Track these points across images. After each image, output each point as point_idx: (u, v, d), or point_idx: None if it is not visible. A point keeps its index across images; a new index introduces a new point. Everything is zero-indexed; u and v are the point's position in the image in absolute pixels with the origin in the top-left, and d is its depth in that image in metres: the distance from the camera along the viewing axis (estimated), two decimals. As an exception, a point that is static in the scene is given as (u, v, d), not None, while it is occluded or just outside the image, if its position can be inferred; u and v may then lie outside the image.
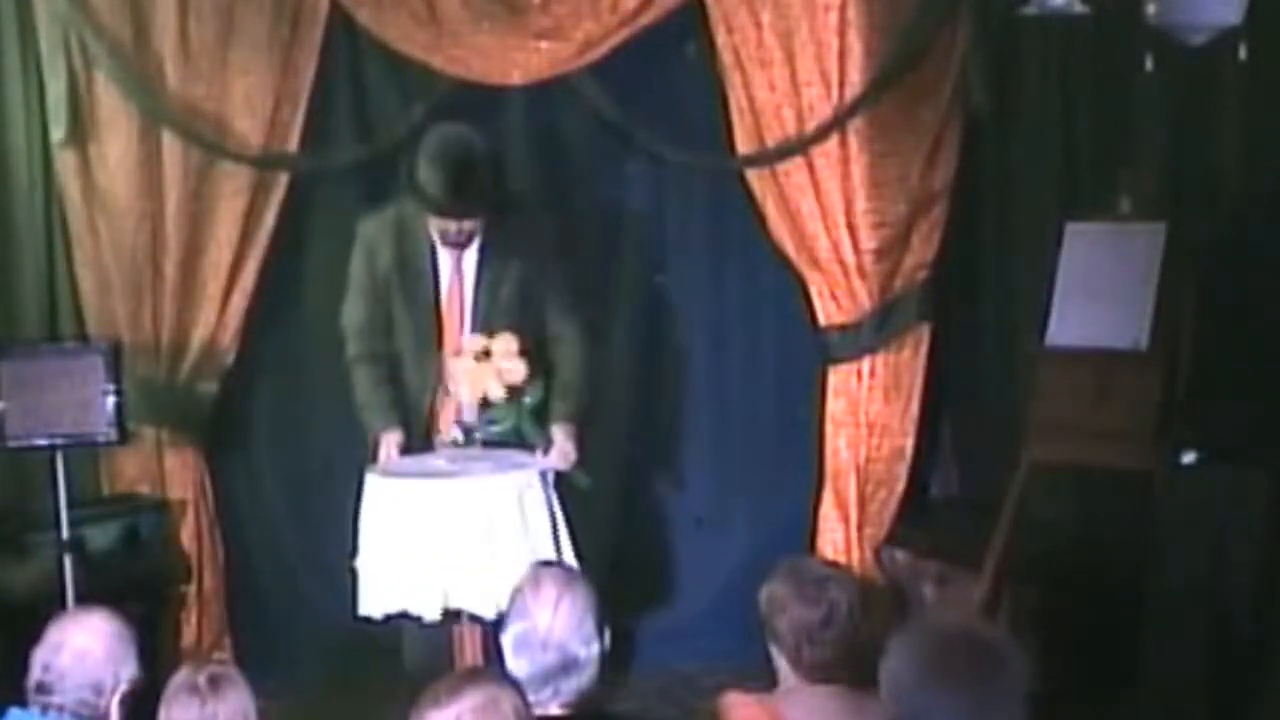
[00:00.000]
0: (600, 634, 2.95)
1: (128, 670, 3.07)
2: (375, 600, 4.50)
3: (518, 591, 3.00)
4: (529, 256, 4.79)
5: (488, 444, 4.59)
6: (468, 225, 4.69)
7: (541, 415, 4.65)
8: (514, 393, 4.52)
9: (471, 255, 4.76)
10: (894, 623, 5.11)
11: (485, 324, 4.67)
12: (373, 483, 4.54)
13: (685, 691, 5.24)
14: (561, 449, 4.64)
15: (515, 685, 2.54)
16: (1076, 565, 4.90)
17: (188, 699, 2.89)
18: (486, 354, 4.52)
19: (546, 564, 3.16)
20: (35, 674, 3.04)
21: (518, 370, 4.51)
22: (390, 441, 4.75)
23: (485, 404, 4.54)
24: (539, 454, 4.60)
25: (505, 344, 4.53)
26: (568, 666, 2.87)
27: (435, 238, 4.75)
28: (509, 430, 4.59)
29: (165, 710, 2.92)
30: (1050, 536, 5.11)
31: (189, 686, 2.90)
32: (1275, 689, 4.45)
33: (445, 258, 4.78)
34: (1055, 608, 4.70)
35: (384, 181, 5.67)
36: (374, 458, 4.75)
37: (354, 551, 4.55)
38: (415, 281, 4.79)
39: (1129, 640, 4.57)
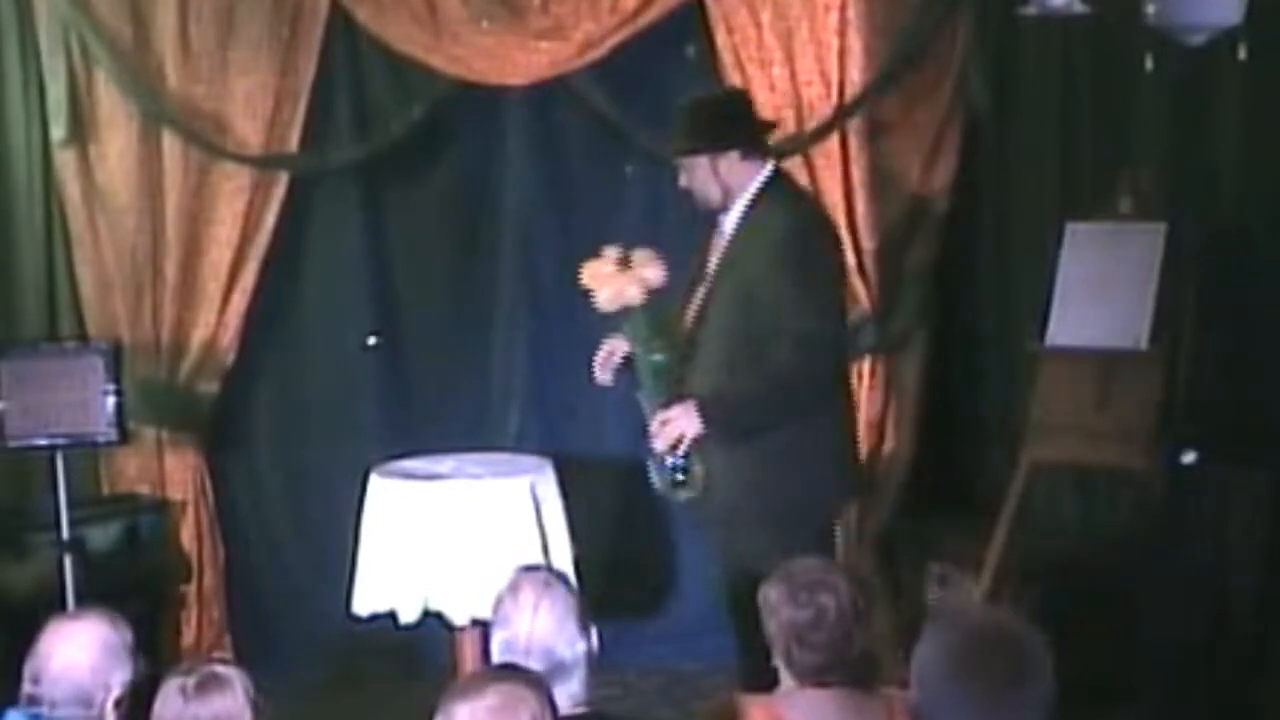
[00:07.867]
0: (585, 634, 2.96)
1: (119, 676, 3.04)
2: (369, 599, 4.50)
3: (499, 600, 3.02)
4: (767, 244, 4.02)
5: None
6: (683, 167, 4.18)
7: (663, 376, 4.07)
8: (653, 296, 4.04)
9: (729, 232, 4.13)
10: (893, 623, 5.20)
11: (705, 304, 4.11)
12: (375, 483, 4.54)
13: (685, 691, 5.23)
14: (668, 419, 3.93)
15: (544, 687, 2.48)
16: (1077, 565, 4.90)
17: (173, 697, 2.88)
18: (626, 262, 4.06)
19: (527, 569, 3.13)
20: (25, 685, 3.02)
21: (657, 275, 4.02)
22: None
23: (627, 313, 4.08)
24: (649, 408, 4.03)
25: (645, 254, 4.06)
26: (554, 671, 2.87)
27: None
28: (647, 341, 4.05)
29: (157, 705, 2.91)
30: (1050, 536, 5.11)
31: (177, 686, 2.88)
32: (1276, 688, 4.45)
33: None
34: (1055, 607, 4.70)
35: (384, 181, 5.71)
36: None
37: (355, 551, 4.56)
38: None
39: (1129, 640, 4.57)
